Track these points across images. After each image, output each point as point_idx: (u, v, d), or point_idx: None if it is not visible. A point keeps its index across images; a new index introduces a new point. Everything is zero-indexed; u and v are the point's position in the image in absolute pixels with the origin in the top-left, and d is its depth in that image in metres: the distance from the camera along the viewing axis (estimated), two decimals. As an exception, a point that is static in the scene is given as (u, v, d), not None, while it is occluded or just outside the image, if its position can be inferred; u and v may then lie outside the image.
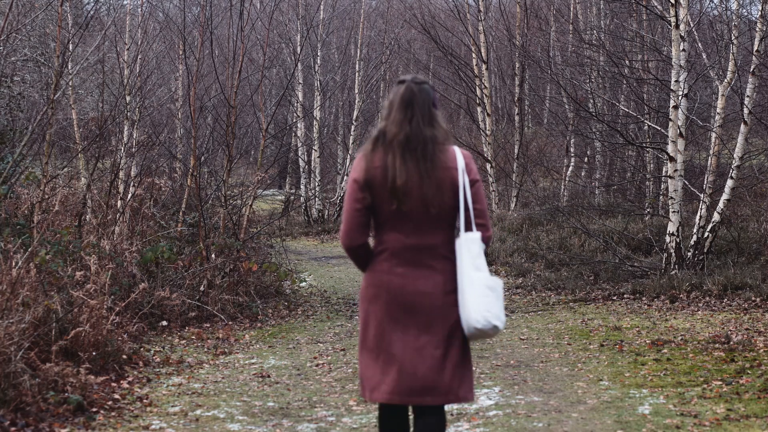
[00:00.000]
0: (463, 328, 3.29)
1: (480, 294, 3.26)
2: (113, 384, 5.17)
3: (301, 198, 20.10)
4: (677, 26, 9.39)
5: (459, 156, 3.32)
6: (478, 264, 3.29)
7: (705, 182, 9.55)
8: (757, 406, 4.49)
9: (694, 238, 9.27)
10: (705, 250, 9.23)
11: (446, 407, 3.55)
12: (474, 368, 5.73)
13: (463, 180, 3.31)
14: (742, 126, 9.23)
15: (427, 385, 3.26)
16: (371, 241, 3.39)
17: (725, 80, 9.51)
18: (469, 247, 3.30)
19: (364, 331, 3.36)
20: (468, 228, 3.31)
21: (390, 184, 3.26)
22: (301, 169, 19.87)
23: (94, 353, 5.30)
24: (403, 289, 3.30)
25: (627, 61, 13.29)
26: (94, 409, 4.58)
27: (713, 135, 9.73)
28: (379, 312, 3.32)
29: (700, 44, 10.41)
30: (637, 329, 7.01)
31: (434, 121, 3.33)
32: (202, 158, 10.38)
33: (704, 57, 10.39)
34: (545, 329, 7.28)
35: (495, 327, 3.23)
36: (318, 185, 19.52)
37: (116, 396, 4.90)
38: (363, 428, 4.42)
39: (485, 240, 3.34)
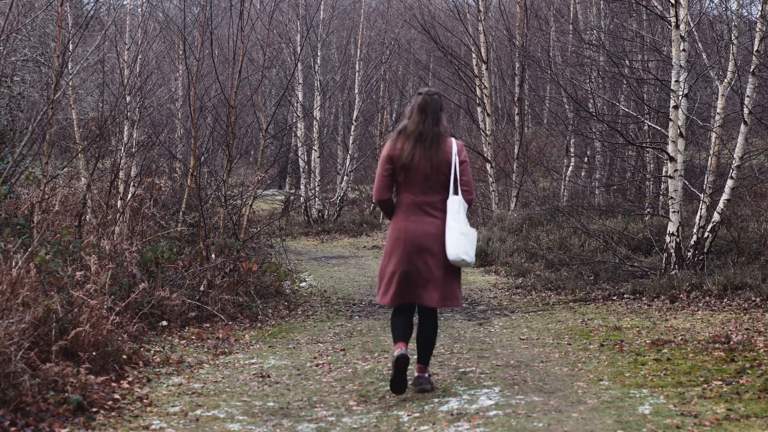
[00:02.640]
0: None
1: (455, 237, 4.99)
2: (113, 384, 5.17)
3: (301, 198, 20.09)
4: (677, 26, 9.39)
5: (454, 144, 5.09)
6: (456, 217, 5.02)
7: (705, 182, 9.55)
8: (758, 406, 4.49)
9: (694, 238, 9.27)
10: (705, 250, 9.23)
11: (446, 407, 4.70)
12: (474, 368, 5.74)
13: (454, 160, 5.06)
14: (742, 126, 9.23)
15: (428, 292, 5.00)
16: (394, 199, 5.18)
17: (725, 80, 9.51)
18: (451, 205, 5.04)
19: (388, 258, 5.10)
20: (455, 192, 5.07)
21: (404, 162, 5.04)
22: (301, 169, 19.87)
23: (94, 353, 5.30)
24: (415, 230, 5.05)
25: (627, 61, 13.29)
26: (94, 409, 4.58)
27: (713, 135, 9.73)
28: (396, 247, 5.07)
29: (700, 44, 10.41)
30: (637, 329, 7.00)
31: (439, 122, 5.09)
32: (202, 158, 10.37)
33: (704, 57, 10.39)
34: (545, 329, 7.28)
35: (463, 260, 5.00)
36: (318, 185, 19.51)
37: (116, 396, 4.90)
38: (363, 428, 4.42)
39: (468, 201, 5.11)
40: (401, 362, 4.96)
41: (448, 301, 5.07)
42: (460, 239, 4.98)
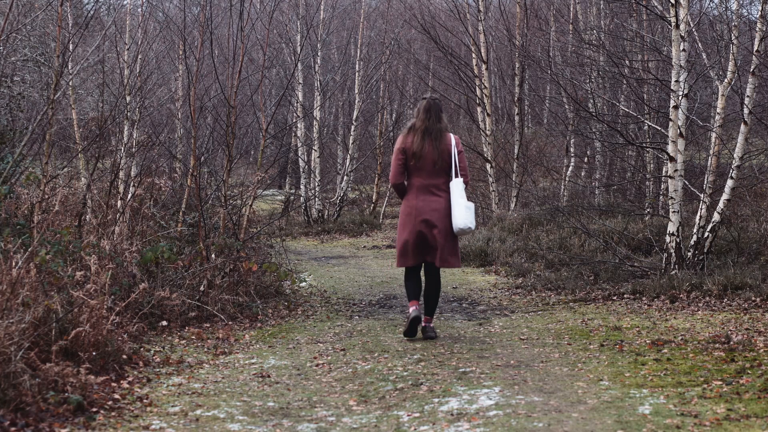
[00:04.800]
0: (453, 228, 6.56)
1: (462, 210, 6.51)
2: (113, 384, 5.17)
3: (301, 198, 20.09)
4: (677, 26, 9.39)
5: (453, 138, 6.66)
6: (461, 194, 6.55)
7: (705, 182, 9.55)
8: (758, 406, 4.49)
9: (694, 238, 9.27)
10: (705, 250, 9.23)
11: (446, 407, 4.73)
12: (474, 368, 5.74)
13: (453, 151, 6.62)
14: (742, 126, 9.23)
15: (434, 254, 6.62)
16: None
17: (725, 80, 9.51)
18: (457, 186, 6.58)
19: (402, 229, 6.71)
20: (456, 176, 6.61)
21: (415, 152, 6.60)
22: (301, 169, 19.86)
23: (94, 353, 5.30)
24: (423, 207, 6.61)
25: (627, 61, 13.29)
26: (94, 409, 4.58)
27: (713, 135, 9.73)
28: (409, 219, 6.64)
29: (700, 44, 10.40)
30: (637, 329, 7.00)
31: (441, 119, 6.66)
32: (202, 158, 10.37)
33: (704, 57, 10.39)
34: (545, 329, 7.28)
35: (469, 227, 6.54)
36: (318, 185, 19.51)
37: (116, 396, 4.90)
38: (363, 428, 4.42)
39: (465, 183, 6.65)
40: (415, 322, 6.63)
41: (449, 263, 6.65)
42: (465, 211, 6.52)
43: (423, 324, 6.68)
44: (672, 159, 9.42)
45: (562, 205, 14.83)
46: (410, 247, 6.62)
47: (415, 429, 4.36)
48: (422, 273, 7.01)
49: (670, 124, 9.44)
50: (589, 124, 14.96)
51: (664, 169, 12.01)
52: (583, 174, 17.37)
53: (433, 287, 6.75)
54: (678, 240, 9.28)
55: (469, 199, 6.65)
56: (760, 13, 9.05)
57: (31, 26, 11.45)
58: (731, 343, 6.14)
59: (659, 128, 10.59)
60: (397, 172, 6.67)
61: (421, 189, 6.62)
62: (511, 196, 16.43)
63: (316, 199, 19.39)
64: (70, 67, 10.41)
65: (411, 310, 6.68)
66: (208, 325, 7.52)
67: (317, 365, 6.01)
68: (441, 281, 6.87)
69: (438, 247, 6.57)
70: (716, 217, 9.19)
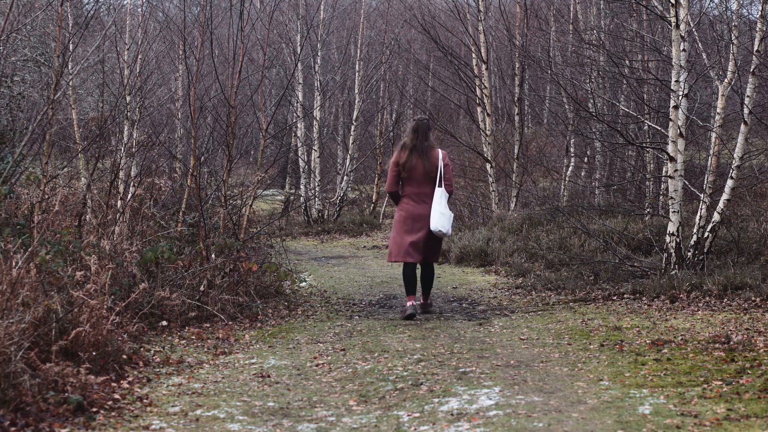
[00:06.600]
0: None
1: (437, 216, 7.73)
2: (113, 384, 5.17)
3: (301, 198, 20.08)
4: (677, 26, 9.38)
5: (440, 153, 7.88)
6: (439, 201, 7.75)
7: (705, 182, 9.55)
8: (758, 406, 4.49)
9: (694, 238, 9.27)
10: (705, 250, 9.23)
11: (446, 407, 4.72)
12: (474, 368, 5.74)
13: (440, 164, 7.79)
14: (742, 126, 9.22)
15: (425, 253, 7.92)
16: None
17: (725, 80, 9.50)
18: (435, 194, 7.78)
19: (395, 231, 7.94)
20: (440, 185, 7.79)
21: (406, 165, 7.82)
22: (301, 169, 19.86)
23: (94, 353, 5.30)
24: (413, 212, 7.85)
25: (627, 61, 13.28)
26: (94, 409, 4.58)
27: (713, 135, 9.73)
28: (402, 222, 7.89)
29: (700, 44, 10.40)
30: (637, 329, 7.00)
31: (428, 137, 7.92)
32: (202, 158, 10.36)
33: (704, 57, 10.38)
34: (545, 329, 7.28)
35: (440, 231, 7.76)
36: (318, 185, 19.50)
37: (116, 396, 4.90)
38: (363, 428, 4.42)
39: (449, 192, 7.86)
40: (410, 318, 7.75)
41: (434, 258, 8.10)
42: (440, 217, 7.72)
43: (422, 302, 8.12)
44: (672, 159, 9.41)
45: (562, 205, 14.82)
46: (403, 247, 7.84)
47: (415, 429, 4.36)
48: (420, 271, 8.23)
49: (670, 124, 9.43)
50: (589, 124, 14.96)
51: (664, 169, 12.01)
52: (583, 174, 17.36)
53: (428, 274, 8.11)
54: (678, 240, 9.27)
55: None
56: (760, 13, 9.05)
57: (31, 26, 11.45)
58: (731, 343, 6.14)
59: (659, 128, 10.58)
60: (392, 182, 7.96)
61: (412, 197, 7.86)
62: (511, 196, 16.41)
63: (316, 199, 19.38)
64: (70, 67, 10.41)
65: (408, 305, 7.83)
66: (208, 325, 7.52)
67: (317, 365, 6.01)
68: (438, 277, 8.23)
69: (428, 245, 7.91)
70: (716, 217, 9.19)
